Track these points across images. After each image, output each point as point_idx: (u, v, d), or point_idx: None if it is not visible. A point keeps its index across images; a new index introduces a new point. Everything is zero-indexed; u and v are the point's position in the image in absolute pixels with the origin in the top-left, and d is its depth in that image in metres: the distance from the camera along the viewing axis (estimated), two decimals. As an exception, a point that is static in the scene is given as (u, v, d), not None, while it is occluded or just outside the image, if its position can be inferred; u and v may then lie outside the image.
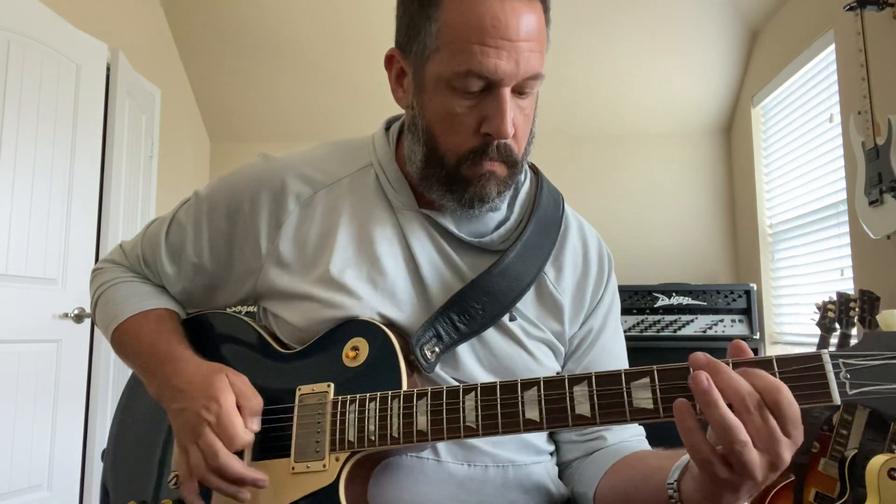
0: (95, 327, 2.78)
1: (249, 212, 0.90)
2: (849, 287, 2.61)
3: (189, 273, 0.97)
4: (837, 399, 0.61)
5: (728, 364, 0.63)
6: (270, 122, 4.12)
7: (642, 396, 0.67)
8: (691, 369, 0.63)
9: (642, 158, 4.00)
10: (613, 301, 0.99)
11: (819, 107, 2.96)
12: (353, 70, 3.79)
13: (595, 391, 0.68)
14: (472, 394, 0.73)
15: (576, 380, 0.70)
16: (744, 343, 0.66)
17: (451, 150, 0.82)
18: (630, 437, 0.92)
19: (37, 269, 2.59)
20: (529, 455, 0.89)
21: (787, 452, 0.60)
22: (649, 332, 3.29)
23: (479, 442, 0.84)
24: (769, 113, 3.52)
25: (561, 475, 0.95)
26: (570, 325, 0.92)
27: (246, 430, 0.77)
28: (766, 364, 0.63)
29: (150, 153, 3.45)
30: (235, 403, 0.78)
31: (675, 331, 3.27)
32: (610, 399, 0.68)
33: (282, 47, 3.78)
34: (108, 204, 2.90)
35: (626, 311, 3.29)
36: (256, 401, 0.80)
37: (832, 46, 2.77)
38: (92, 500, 2.75)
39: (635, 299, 3.29)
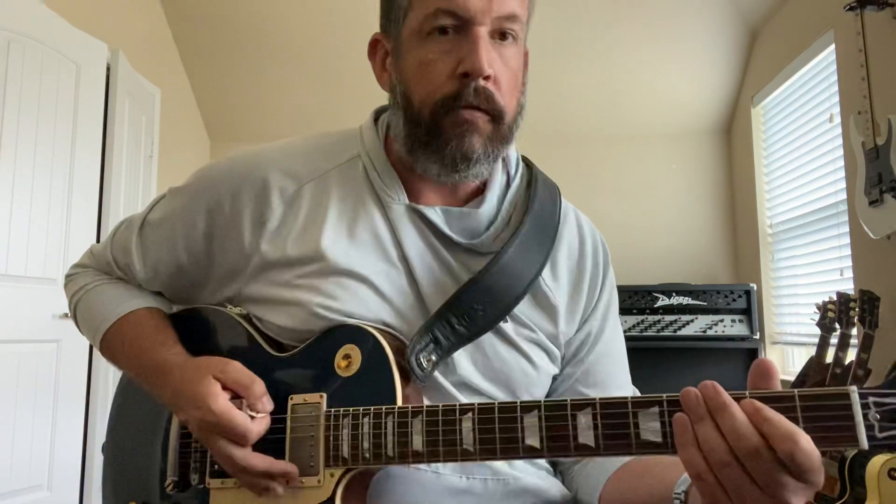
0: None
1: (230, 210, 0.85)
2: (849, 287, 2.61)
3: (165, 276, 0.93)
4: (865, 443, 0.55)
5: (745, 397, 0.58)
6: (270, 122, 4.12)
7: (650, 428, 0.62)
8: (697, 395, 0.59)
9: (642, 158, 4.00)
10: (611, 299, 0.95)
11: (819, 107, 2.97)
12: (353, 70, 3.79)
13: (600, 420, 0.65)
14: (469, 415, 0.70)
15: (579, 406, 0.66)
16: (769, 363, 0.61)
17: (425, 100, 0.78)
18: None
19: (37, 269, 2.59)
20: (530, 468, 0.88)
21: (795, 498, 0.56)
22: (649, 332, 3.29)
23: None
24: (769, 113, 3.52)
25: (563, 477, 0.94)
26: (565, 326, 0.89)
27: (253, 422, 0.75)
28: (786, 399, 0.58)
29: (150, 153, 3.46)
30: (230, 400, 0.76)
31: (675, 331, 3.27)
32: (615, 430, 0.64)
33: (282, 47, 3.78)
34: (108, 204, 2.90)
35: (626, 311, 3.29)
36: (256, 386, 0.77)
37: (832, 46, 2.77)
38: (92, 500, 2.75)
39: (635, 299, 3.29)
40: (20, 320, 2.52)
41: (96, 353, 2.81)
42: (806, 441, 0.55)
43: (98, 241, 2.85)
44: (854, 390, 0.56)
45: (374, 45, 0.87)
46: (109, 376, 2.90)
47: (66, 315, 2.67)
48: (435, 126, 0.79)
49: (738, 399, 0.58)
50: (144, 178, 3.38)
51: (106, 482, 0.95)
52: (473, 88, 0.76)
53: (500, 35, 0.78)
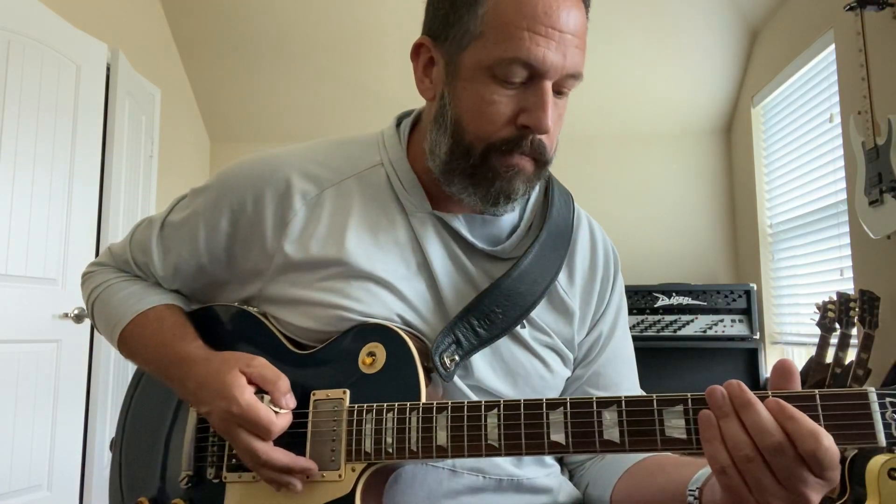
0: (95, 328, 2.78)
1: (253, 210, 0.86)
2: (849, 287, 2.61)
3: (185, 275, 0.94)
4: (883, 441, 0.59)
5: (768, 397, 0.61)
6: (270, 122, 4.12)
7: (675, 425, 0.65)
8: (723, 393, 0.61)
9: (642, 158, 4.00)
10: (621, 303, 0.97)
11: (819, 107, 2.97)
12: (353, 69, 3.79)
13: (626, 417, 0.67)
14: (495, 411, 0.72)
15: (605, 403, 0.68)
16: (790, 364, 0.63)
17: (480, 137, 0.79)
18: None
19: (37, 269, 2.59)
20: (541, 468, 0.90)
21: (813, 493, 0.58)
22: (649, 332, 3.29)
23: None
24: (769, 113, 3.52)
25: (572, 475, 0.95)
26: (578, 332, 0.91)
27: (277, 416, 0.76)
28: (807, 399, 0.61)
29: (150, 153, 3.46)
30: (255, 393, 0.76)
31: (675, 331, 3.27)
32: (640, 426, 0.66)
33: (282, 47, 3.78)
34: (108, 204, 2.90)
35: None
36: (282, 382, 0.77)
37: (832, 46, 2.77)
38: (92, 500, 2.75)
39: (635, 299, 3.29)
40: (20, 320, 2.52)
41: (96, 353, 2.82)
42: (828, 439, 0.57)
43: (98, 241, 2.86)
44: (872, 391, 0.60)
45: (418, 48, 0.85)
46: (109, 376, 2.90)
47: (65, 315, 2.67)
48: (484, 163, 0.80)
49: (761, 398, 0.60)
50: (144, 178, 3.38)
51: (114, 479, 0.95)
52: (531, 140, 0.79)
53: (558, 92, 0.80)
